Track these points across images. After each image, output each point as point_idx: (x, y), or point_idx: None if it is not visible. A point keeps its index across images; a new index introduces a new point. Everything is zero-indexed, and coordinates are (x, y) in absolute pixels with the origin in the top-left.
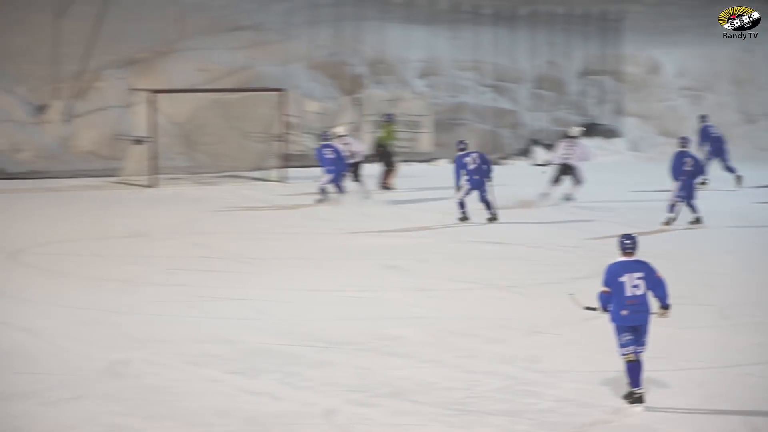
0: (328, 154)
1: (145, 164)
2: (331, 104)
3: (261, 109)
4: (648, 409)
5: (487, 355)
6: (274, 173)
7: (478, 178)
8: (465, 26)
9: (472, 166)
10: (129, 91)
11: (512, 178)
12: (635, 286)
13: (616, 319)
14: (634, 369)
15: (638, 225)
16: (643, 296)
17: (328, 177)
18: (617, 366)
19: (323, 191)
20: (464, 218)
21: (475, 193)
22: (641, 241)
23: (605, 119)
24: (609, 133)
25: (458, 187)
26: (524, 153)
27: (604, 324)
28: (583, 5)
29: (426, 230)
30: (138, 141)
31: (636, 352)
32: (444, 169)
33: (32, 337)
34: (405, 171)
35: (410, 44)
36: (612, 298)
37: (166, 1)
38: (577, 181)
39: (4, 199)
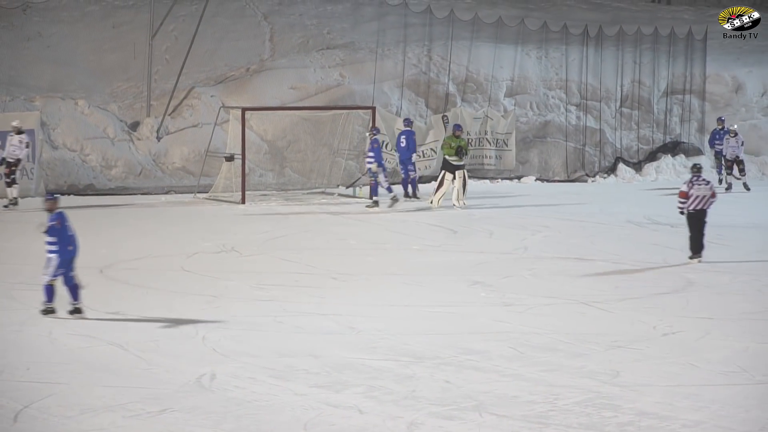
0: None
1: (236, 180)
2: (420, 122)
3: (351, 126)
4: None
5: (569, 369)
6: (363, 190)
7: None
8: (553, 45)
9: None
10: (221, 108)
11: (597, 195)
12: None
13: None
14: None
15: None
16: None
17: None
18: (696, 380)
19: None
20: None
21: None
22: None
23: (689, 137)
24: (692, 151)
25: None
26: (610, 170)
27: (682, 339)
28: (668, 25)
29: (508, 246)
30: (229, 158)
31: None
32: (530, 186)
33: (120, 350)
34: (491, 188)
35: (499, 63)
36: None
37: (258, 20)
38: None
39: (95, 214)
